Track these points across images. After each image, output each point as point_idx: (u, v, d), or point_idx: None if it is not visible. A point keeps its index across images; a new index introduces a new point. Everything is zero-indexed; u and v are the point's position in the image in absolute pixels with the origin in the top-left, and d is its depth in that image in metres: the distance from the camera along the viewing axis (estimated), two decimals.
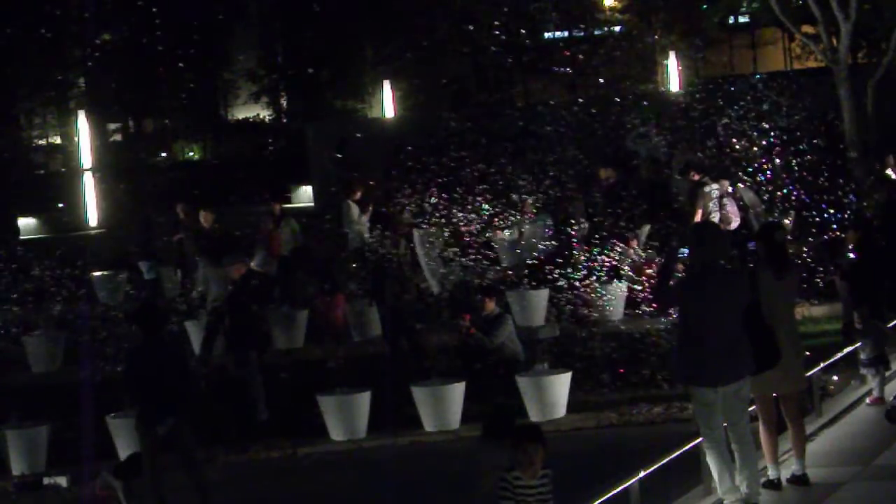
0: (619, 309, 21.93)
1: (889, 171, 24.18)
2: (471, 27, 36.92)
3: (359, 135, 31.57)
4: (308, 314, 22.22)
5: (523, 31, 37.61)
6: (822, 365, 14.17)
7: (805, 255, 21.41)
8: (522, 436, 9.65)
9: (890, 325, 15.39)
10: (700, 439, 11.17)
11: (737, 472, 10.84)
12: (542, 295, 21.83)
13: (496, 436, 11.41)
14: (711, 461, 10.88)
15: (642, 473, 10.58)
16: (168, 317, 15.98)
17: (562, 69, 35.47)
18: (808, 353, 14.66)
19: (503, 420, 11.69)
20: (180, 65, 42.27)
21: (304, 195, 37.70)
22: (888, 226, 18.24)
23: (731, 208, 23.39)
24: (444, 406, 17.24)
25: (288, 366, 20.84)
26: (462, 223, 23.08)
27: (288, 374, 20.10)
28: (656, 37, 36.60)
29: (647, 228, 25.08)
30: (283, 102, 46.12)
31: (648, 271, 21.89)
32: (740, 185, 24.68)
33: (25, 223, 35.06)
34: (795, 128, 25.90)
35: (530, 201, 24.23)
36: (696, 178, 23.78)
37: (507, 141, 26.31)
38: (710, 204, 22.96)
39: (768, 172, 24.45)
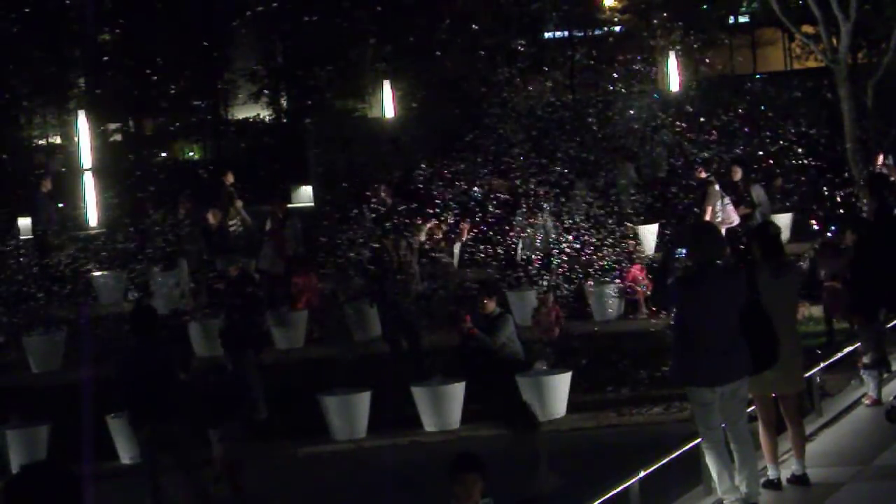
0: (616, 309, 21.97)
1: (882, 169, 24.07)
2: (472, 26, 36.89)
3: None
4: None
5: (524, 32, 37.59)
6: (822, 365, 14.16)
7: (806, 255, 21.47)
8: (460, 466, 8.95)
9: (890, 325, 15.40)
10: (700, 439, 11.17)
11: (736, 472, 10.84)
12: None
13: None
14: (710, 461, 10.87)
15: (642, 473, 10.58)
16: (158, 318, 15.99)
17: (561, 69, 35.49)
18: (819, 353, 14.75)
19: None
20: (180, 65, 42.25)
21: (304, 195, 37.72)
22: (888, 227, 18.18)
23: (731, 207, 23.43)
24: (444, 406, 17.25)
25: (288, 366, 20.86)
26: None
27: (288, 375, 20.12)
28: (658, 37, 36.60)
29: (654, 227, 25.14)
30: (283, 102, 46.11)
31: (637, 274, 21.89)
32: (752, 176, 24.78)
33: (25, 223, 35.06)
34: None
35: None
36: (703, 175, 23.80)
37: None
38: (718, 203, 22.99)
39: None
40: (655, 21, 36.01)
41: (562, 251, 21.52)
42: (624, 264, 22.04)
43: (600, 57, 32.97)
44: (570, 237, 21.54)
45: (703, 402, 10.71)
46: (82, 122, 33.26)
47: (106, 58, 41.87)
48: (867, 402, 14.27)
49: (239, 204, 26.98)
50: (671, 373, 11.23)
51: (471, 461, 8.92)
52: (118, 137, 44.54)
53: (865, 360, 14.39)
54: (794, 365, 11.55)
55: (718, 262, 10.95)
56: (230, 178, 28.59)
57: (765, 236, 11.81)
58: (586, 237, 21.60)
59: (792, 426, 11.77)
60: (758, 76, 38.70)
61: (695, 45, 34.20)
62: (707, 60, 35.21)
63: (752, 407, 11.39)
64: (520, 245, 23.72)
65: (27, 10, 38.49)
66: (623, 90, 27.17)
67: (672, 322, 11.23)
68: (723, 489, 10.84)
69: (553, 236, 22.55)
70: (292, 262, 23.90)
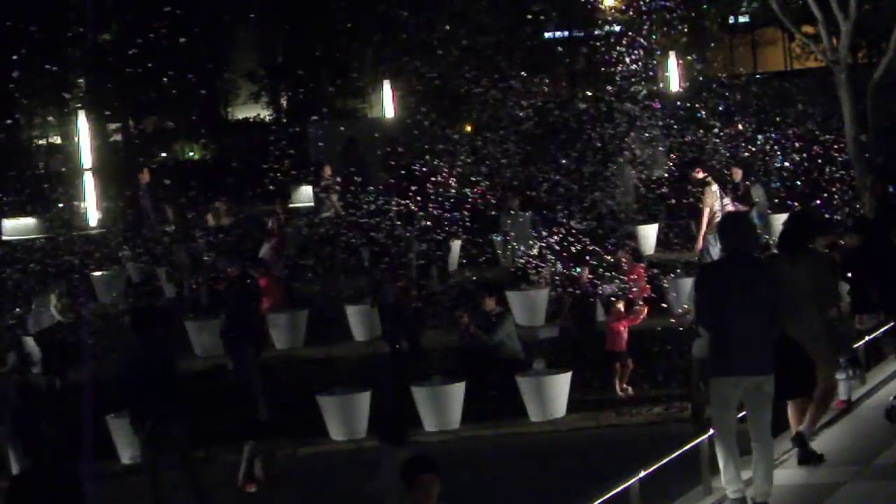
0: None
1: None
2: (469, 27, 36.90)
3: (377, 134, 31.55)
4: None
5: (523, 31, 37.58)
6: None
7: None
8: (417, 468, 8.56)
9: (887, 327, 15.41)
10: (700, 439, 11.21)
11: (752, 468, 10.86)
12: (542, 294, 21.83)
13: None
14: (719, 450, 10.90)
15: (642, 473, 10.57)
16: (161, 318, 16.00)
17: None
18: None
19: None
20: (180, 65, 42.23)
21: (305, 195, 37.71)
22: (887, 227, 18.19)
23: (730, 207, 23.40)
24: (444, 406, 17.25)
25: (288, 366, 20.86)
26: None
27: (288, 375, 20.11)
28: (657, 37, 36.58)
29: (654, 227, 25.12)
30: (283, 102, 46.13)
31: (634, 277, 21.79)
32: (753, 179, 24.79)
33: (25, 223, 35.11)
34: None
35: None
36: (701, 175, 23.78)
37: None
38: (716, 203, 22.98)
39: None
40: (653, 22, 35.98)
41: (552, 251, 21.52)
42: (622, 263, 22.01)
43: (600, 56, 33.00)
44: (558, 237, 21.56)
45: (721, 392, 10.77)
46: (82, 122, 33.26)
47: (106, 58, 41.86)
48: (833, 404, 14.14)
49: (334, 197, 27.37)
50: (708, 366, 11.30)
51: (426, 462, 8.67)
52: (118, 137, 44.57)
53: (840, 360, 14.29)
54: (821, 347, 11.72)
55: (752, 253, 11.08)
56: (328, 171, 28.94)
57: (783, 229, 12.21)
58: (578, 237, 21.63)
59: (816, 401, 11.97)
60: (758, 76, 38.71)
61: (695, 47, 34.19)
62: (713, 62, 35.16)
63: None
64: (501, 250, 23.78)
65: (28, 10, 38.48)
66: (623, 89, 27.14)
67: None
68: (726, 479, 10.89)
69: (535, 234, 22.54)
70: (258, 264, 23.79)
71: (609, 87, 26.30)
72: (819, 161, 26.61)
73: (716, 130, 26.47)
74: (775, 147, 26.10)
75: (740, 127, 27.04)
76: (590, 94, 27.46)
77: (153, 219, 27.87)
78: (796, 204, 25.43)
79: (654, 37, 28.07)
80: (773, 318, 10.75)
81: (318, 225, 26.73)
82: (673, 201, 25.96)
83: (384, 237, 23.18)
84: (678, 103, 27.69)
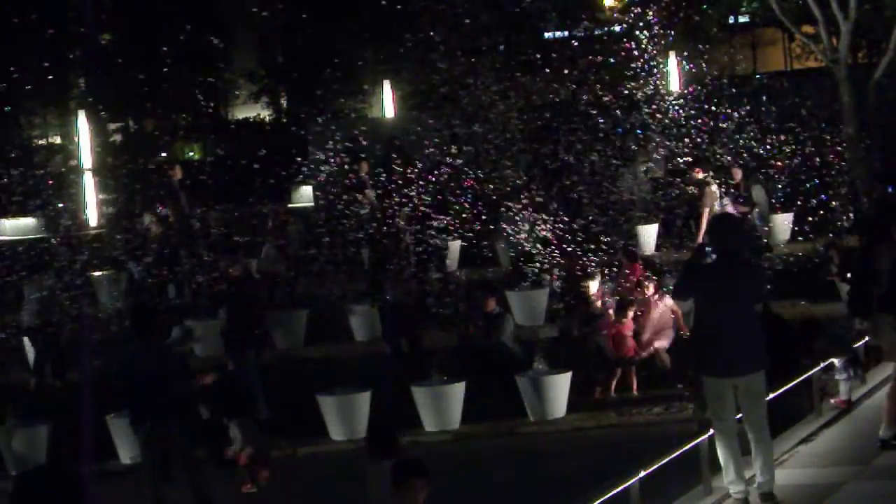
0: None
1: None
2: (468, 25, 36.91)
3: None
4: None
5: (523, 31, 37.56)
6: (821, 364, 14.15)
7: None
8: (408, 472, 8.52)
9: None
10: (700, 439, 11.22)
11: (752, 461, 10.89)
12: (542, 295, 21.83)
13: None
14: (720, 451, 10.94)
15: (642, 473, 10.58)
16: (159, 317, 15.99)
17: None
18: None
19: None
20: (180, 65, 42.25)
21: (305, 195, 37.71)
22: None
23: (730, 208, 23.43)
24: (444, 406, 17.25)
25: (288, 366, 20.86)
26: None
27: (288, 375, 20.12)
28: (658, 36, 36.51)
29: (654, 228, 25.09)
30: (283, 102, 46.13)
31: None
32: (755, 181, 24.80)
33: (25, 223, 35.11)
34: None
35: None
36: (700, 175, 23.77)
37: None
38: (716, 203, 22.99)
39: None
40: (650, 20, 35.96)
41: (548, 248, 21.49)
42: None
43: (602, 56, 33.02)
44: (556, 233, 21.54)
45: (714, 391, 10.80)
46: (82, 122, 33.26)
47: (106, 58, 41.86)
48: (833, 401, 14.16)
49: (371, 194, 27.42)
50: (692, 362, 11.33)
51: (418, 467, 8.62)
52: (118, 137, 44.58)
53: (837, 362, 14.30)
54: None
55: (740, 253, 11.12)
56: (365, 168, 29.06)
57: (861, 218, 12.75)
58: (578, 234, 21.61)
59: (891, 396, 12.31)
60: (758, 76, 38.75)
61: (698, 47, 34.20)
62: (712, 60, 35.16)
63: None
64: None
65: (28, 10, 38.50)
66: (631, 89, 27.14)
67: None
68: (727, 480, 10.94)
69: (526, 228, 22.50)
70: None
71: (605, 88, 26.27)
72: (823, 161, 26.62)
73: (718, 129, 26.48)
74: (783, 147, 26.10)
75: (741, 126, 27.03)
76: (588, 96, 27.41)
77: (187, 214, 27.86)
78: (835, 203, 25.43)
79: (666, 33, 28.00)
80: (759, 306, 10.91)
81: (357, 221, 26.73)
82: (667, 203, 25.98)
83: (384, 237, 23.19)
84: (679, 109, 27.68)
